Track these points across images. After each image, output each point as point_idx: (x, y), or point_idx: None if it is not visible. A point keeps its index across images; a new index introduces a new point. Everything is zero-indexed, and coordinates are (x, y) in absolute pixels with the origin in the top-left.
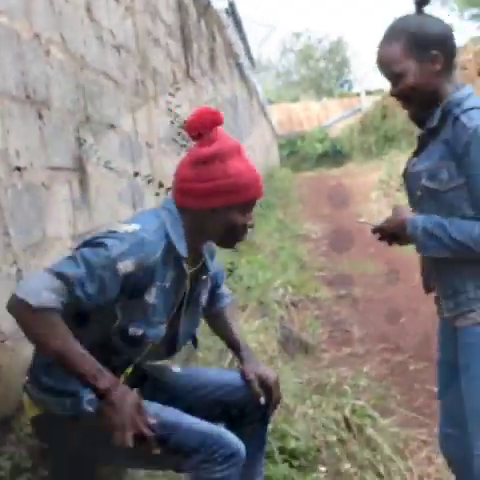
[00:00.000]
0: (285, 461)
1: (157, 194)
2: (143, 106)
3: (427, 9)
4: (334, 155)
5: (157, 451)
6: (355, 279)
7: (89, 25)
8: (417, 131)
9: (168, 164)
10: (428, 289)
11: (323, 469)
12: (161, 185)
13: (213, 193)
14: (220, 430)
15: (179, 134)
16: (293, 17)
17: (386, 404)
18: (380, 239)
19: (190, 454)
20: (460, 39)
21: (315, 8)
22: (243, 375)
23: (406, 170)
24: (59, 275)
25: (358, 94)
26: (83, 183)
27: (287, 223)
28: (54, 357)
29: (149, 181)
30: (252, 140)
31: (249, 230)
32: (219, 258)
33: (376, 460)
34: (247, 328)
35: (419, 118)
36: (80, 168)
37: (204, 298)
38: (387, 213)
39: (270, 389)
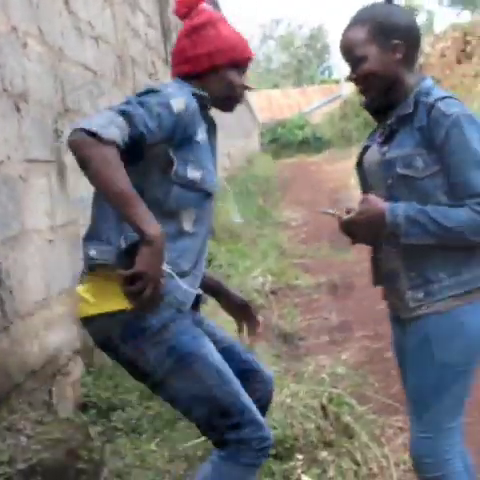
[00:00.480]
0: None
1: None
2: (122, 96)
3: None
4: (314, 142)
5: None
6: (335, 266)
7: (67, 17)
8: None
9: None
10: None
11: (300, 457)
12: None
13: (211, 54)
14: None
15: None
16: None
17: (363, 391)
18: (347, 234)
19: (234, 426)
20: (439, 26)
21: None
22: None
23: (365, 159)
24: (122, 112)
25: (338, 81)
26: (61, 175)
27: (267, 210)
28: (111, 195)
29: None
30: (230, 125)
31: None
32: None
33: (353, 447)
34: (225, 317)
35: (374, 106)
36: (58, 160)
37: None
38: None
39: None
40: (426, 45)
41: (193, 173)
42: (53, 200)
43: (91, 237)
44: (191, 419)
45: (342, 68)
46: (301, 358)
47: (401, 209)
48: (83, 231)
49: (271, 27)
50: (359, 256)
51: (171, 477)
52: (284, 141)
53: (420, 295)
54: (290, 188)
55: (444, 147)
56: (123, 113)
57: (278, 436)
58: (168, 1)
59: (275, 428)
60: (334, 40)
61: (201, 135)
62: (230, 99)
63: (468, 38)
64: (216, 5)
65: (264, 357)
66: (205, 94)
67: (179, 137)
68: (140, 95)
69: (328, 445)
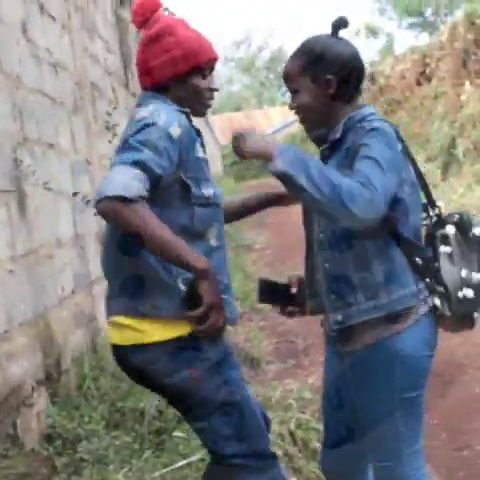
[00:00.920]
0: None
1: (95, 215)
2: (82, 123)
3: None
4: None
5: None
6: None
7: (25, 45)
8: None
9: None
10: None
11: None
12: None
13: (171, 62)
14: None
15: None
16: (233, 26)
17: None
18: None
19: (232, 439)
20: (399, 48)
21: (254, 17)
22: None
23: None
24: (135, 164)
25: None
26: (21, 204)
27: (230, 233)
28: (156, 246)
29: (87, 202)
30: None
31: (214, 94)
32: None
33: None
34: None
35: (312, 135)
36: (18, 189)
37: None
38: None
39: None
40: (386, 67)
41: (207, 190)
42: (13, 230)
43: (136, 294)
44: (214, 449)
45: None
46: (268, 383)
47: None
48: (44, 260)
49: (232, 49)
50: None
51: None
52: (246, 163)
53: (339, 318)
54: None
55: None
56: (136, 164)
57: None
58: (127, 27)
59: None
60: None
61: (200, 150)
62: (200, 105)
63: (427, 60)
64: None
65: None
66: (187, 110)
67: (185, 160)
68: (137, 132)
69: (297, 471)
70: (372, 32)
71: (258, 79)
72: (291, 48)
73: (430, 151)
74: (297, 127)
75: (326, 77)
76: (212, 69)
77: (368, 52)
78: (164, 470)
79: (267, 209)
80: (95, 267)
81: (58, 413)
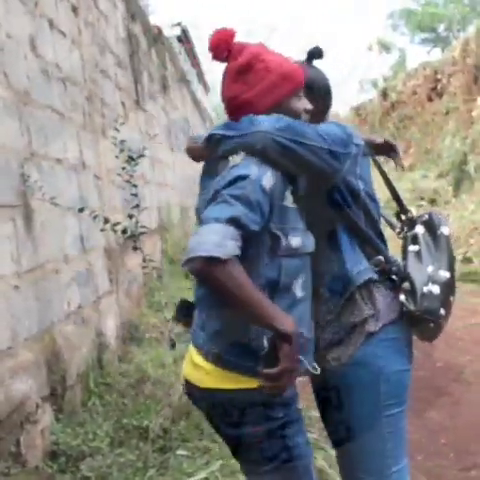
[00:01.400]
0: None
1: (102, 230)
2: (91, 138)
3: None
4: None
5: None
6: None
7: (33, 60)
8: None
9: (118, 195)
10: None
11: None
12: (106, 221)
13: (270, 89)
14: None
15: (123, 169)
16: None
17: None
18: None
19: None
20: (411, 63)
21: (255, 17)
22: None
23: None
24: (229, 221)
25: None
26: (28, 219)
27: None
28: (245, 307)
29: (94, 217)
30: None
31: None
32: (168, 290)
33: None
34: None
35: None
36: (24, 204)
37: None
38: None
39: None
40: (398, 83)
41: (295, 241)
42: (19, 245)
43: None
44: None
45: None
46: None
47: None
48: (50, 275)
49: None
50: None
51: None
52: None
53: (331, 306)
54: None
55: None
56: (230, 221)
57: None
58: (138, 41)
59: None
60: None
61: (289, 197)
62: None
63: (438, 76)
64: (192, 49)
65: None
66: None
67: (274, 211)
68: (230, 184)
69: None
70: (385, 47)
71: None
72: (292, 48)
73: (441, 167)
74: None
75: None
76: (302, 91)
77: (381, 67)
78: None
79: None
80: (102, 282)
81: (62, 430)
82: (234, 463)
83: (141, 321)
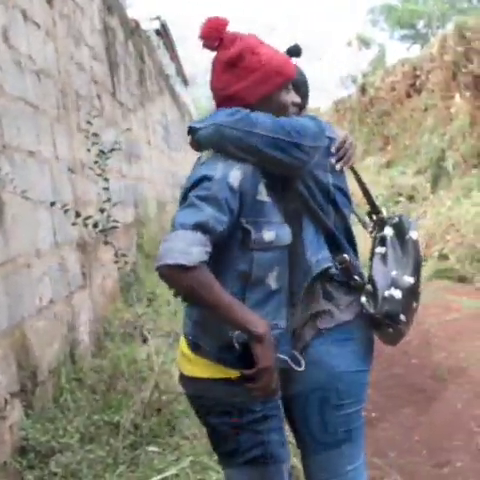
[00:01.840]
0: None
1: (74, 224)
2: (65, 131)
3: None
4: None
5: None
6: None
7: (6, 51)
8: None
9: (92, 189)
10: None
11: None
12: (78, 215)
13: (260, 81)
14: None
15: (96, 162)
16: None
17: None
18: None
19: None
20: (391, 59)
21: (253, 16)
22: None
23: None
24: (195, 227)
25: None
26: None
27: None
28: (215, 310)
29: (65, 211)
30: (185, 159)
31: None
32: (143, 285)
33: None
34: (172, 355)
35: None
36: None
37: None
38: None
39: None
40: (377, 79)
41: (269, 234)
42: None
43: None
44: None
45: None
46: None
47: None
48: (22, 269)
49: None
50: None
51: None
52: None
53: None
54: None
55: None
56: (197, 227)
57: None
58: (115, 34)
59: None
60: None
61: (262, 191)
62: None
63: (417, 72)
64: (171, 43)
65: None
66: None
67: (245, 205)
68: (196, 185)
69: None
70: (364, 43)
71: None
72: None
73: (420, 163)
74: None
75: None
76: (289, 84)
77: (360, 63)
78: None
79: None
80: (75, 277)
81: (32, 426)
82: (205, 460)
83: (115, 316)
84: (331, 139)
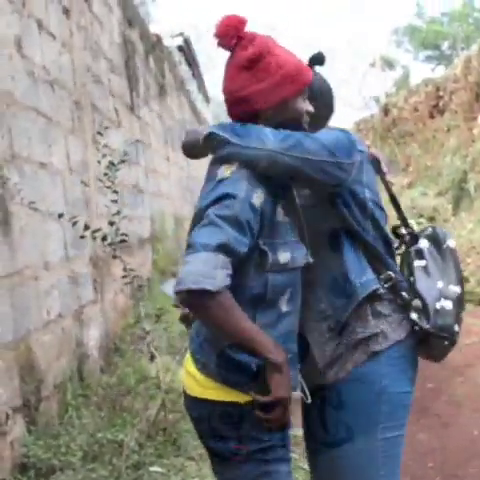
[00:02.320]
0: None
1: (82, 237)
2: (79, 143)
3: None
4: None
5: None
6: None
7: (19, 60)
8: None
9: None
10: None
11: None
12: (87, 227)
13: (277, 87)
14: None
15: (105, 175)
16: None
17: None
18: None
19: None
20: (415, 80)
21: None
22: None
23: None
24: (218, 248)
25: None
26: (6, 223)
27: None
28: (236, 337)
29: (74, 223)
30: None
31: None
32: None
33: None
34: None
35: None
36: (2, 208)
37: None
38: None
39: None
40: (400, 99)
41: (284, 256)
42: None
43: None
44: None
45: None
46: None
47: None
48: (29, 281)
49: None
50: None
51: None
52: None
53: (332, 324)
54: None
55: None
56: (219, 248)
57: None
58: (135, 48)
59: None
60: None
61: (280, 210)
62: (298, 128)
63: (440, 93)
64: (193, 60)
65: None
66: None
67: (265, 226)
68: (217, 202)
69: None
70: (388, 64)
71: None
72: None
73: (441, 185)
74: None
75: None
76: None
77: (384, 84)
78: None
79: None
80: (86, 291)
81: (34, 442)
82: None
83: (126, 332)
84: (362, 152)
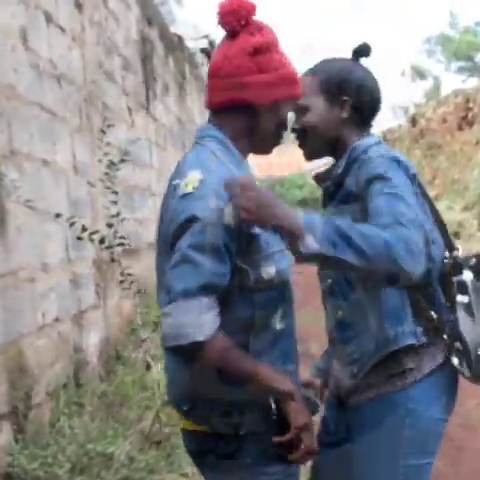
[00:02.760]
0: None
1: (79, 238)
2: (87, 142)
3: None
4: (313, 202)
5: None
6: (311, 335)
7: (22, 53)
8: None
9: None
10: None
11: None
12: (84, 229)
13: (277, 84)
14: None
15: (106, 174)
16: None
17: None
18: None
19: None
20: (446, 91)
21: (328, 21)
22: None
23: None
24: (199, 292)
25: None
26: (1, 222)
27: None
28: (238, 378)
29: (71, 224)
30: None
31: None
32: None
33: None
34: None
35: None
36: None
37: None
38: None
39: None
40: (428, 109)
41: (268, 271)
42: None
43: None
44: None
45: None
46: None
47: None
48: (24, 283)
49: None
50: None
51: None
52: (282, 200)
53: (354, 370)
54: None
55: (365, 188)
56: (200, 291)
57: None
58: (153, 47)
59: None
60: None
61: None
62: (275, 140)
63: (470, 105)
64: None
65: None
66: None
67: (242, 242)
68: (184, 230)
69: None
70: (419, 73)
71: None
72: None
73: (468, 199)
74: None
75: (342, 98)
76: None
77: (413, 94)
78: None
79: None
80: (87, 295)
81: (20, 451)
82: None
83: (129, 339)
84: (415, 176)
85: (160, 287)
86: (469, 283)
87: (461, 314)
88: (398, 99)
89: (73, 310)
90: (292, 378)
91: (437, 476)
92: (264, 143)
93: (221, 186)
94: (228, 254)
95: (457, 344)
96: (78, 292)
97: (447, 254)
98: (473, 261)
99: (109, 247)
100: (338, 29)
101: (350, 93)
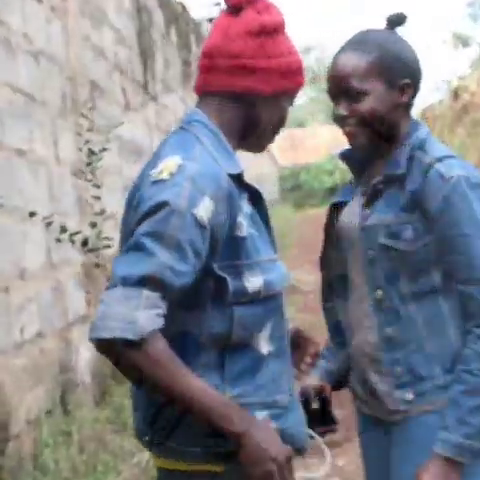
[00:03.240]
0: None
1: (58, 240)
2: (71, 129)
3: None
4: None
5: None
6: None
7: None
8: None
9: (105, 199)
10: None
11: None
12: (64, 230)
13: (284, 72)
14: None
15: (88, 164)
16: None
17: None
18: None
19: None
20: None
21: (327, 21)
22: None
23: (340, 221)
24: (140, 282)
25: None
26: None
27: None
28: (170, 396)
29: (47, 224)
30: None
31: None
32: None
33: None
34: None
35: (361, 155)
36: None
37: None
38: None
39: None
40: (472, 82)
41: (253, 282)
42: None
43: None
44: None
45: None
46: None
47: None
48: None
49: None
50: None
51: None
52: (308, 189)
53: (409, 395)
54: (309, 245)
55: (441, 216)
56: (144, 281)
57: None
58: (151, 19)
59: None
60: None
61: (244, 222)
62: (271, 135)
63: None
64: None
65: None
66: (235, 165)
67: (220, 245)
68: (148, 215)
69: None
70: (462, 41)
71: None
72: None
73: None
74: None
75: (404, 81)
76: None
77: (457, 64)
78: None
79: None
80: (75, 305)
81: None
82: None
83: None
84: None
85: None
86: None
87: None
88: (441, 72)
89: (58, 323)
90: (280, 410)
91: None
92: (260, 139)
93: (202, 176)
94: (193, 253)
95: None
96: (64, 302)
97: None
98: None
99: (93, 250)
100: (338, 29)
101: (410, 75)
